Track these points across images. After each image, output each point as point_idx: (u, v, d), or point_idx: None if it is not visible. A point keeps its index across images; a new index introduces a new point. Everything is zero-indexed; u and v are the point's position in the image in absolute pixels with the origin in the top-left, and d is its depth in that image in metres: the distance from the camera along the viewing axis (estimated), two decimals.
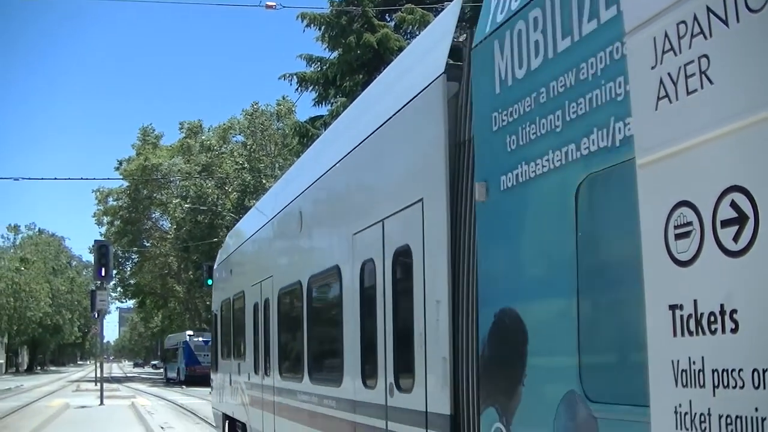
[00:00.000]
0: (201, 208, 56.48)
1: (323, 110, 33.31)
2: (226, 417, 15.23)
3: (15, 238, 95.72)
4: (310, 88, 32.94)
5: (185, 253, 60.00)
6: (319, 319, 8.99)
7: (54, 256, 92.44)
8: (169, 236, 62.93)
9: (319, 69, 32.18)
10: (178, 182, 61.12)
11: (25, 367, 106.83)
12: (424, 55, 6.24)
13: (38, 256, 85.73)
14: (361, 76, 30.22)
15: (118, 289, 72.70)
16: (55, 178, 75.40)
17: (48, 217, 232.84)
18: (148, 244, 65.89)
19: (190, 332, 58.28)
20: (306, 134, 32.46)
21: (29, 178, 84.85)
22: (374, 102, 7.59)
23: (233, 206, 56.41)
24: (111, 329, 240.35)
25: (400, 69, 7.26)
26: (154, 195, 62.43)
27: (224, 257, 16.46)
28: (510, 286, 4.53)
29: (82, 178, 60.39)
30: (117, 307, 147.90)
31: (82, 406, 30.74)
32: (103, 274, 29.34)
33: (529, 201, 4.36)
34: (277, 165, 53.30)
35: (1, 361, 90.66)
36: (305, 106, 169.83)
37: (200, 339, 55.60)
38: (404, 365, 5.94)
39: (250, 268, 13.34)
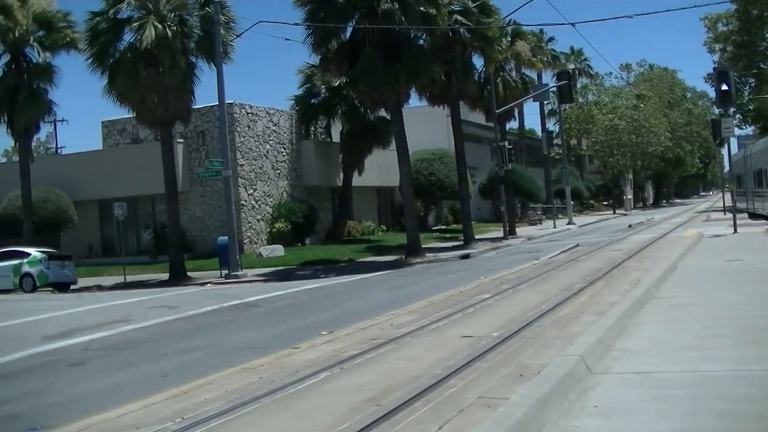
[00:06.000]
0: None
1: None
2: None
3: (628, 76, 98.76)
4: None
5: None
6: None
7: (668, 89, 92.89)
8: None
9: None
10: None
11: (651, 201, 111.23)
12: None
13: (652, 91, 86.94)
14: None
15: (737, 115, 70.68)
16: (668, 10, 75.10)
17: (656, 51, 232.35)
18: (765, 66, 62.42)
19: None
20: None
21: (642, 14, 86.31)
22: None
23: None
24: None
25: None
26: (766, 14, 58.62)
27: None
28: None
29: (694, 6, 59.13)
30: (736, 135, 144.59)
31: (716, 235, 30.94)
32: (725, 101, 29.31)
33: None
34: None
35: (630, 196, 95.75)
36: None
37: None
38: None
39: None
